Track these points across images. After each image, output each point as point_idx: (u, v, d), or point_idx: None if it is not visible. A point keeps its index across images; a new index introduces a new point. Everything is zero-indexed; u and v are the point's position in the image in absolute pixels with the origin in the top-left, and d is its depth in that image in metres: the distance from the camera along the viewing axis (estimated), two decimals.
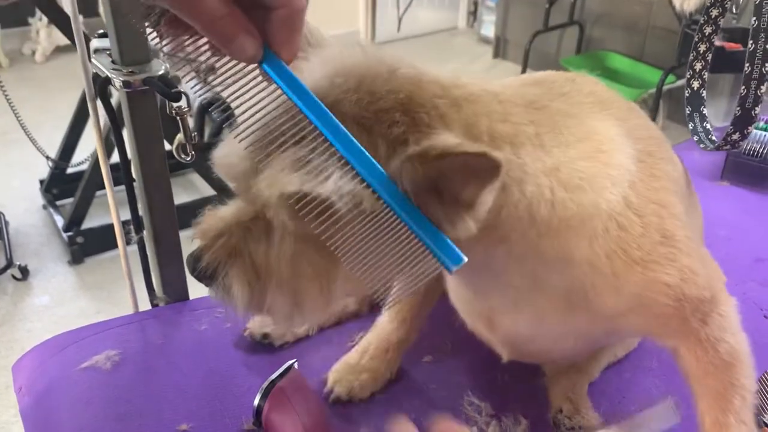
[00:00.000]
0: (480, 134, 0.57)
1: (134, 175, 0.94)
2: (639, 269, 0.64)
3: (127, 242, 1.03)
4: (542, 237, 0.62)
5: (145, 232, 1.00)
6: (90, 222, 2.75)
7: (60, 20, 2.68)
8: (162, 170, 0.93)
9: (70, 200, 2.85)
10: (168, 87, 0.85)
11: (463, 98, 0.58)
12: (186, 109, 0.85)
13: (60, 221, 2.80)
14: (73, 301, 2.58)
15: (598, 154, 0.63)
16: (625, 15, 3.99)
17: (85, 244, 2.71)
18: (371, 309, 1.03)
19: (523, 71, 4.10)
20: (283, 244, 0.57)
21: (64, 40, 3.73)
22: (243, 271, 0.58)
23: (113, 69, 0.86)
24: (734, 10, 1.72)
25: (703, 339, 0.70)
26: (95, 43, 0.91)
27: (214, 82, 0.52)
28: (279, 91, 0.51)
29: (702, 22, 1.07)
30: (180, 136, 0.87)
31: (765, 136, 1.43)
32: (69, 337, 0.96)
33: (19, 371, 0.93)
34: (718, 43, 1.54)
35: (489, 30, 4.96)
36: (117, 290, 2.57)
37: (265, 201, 0.55)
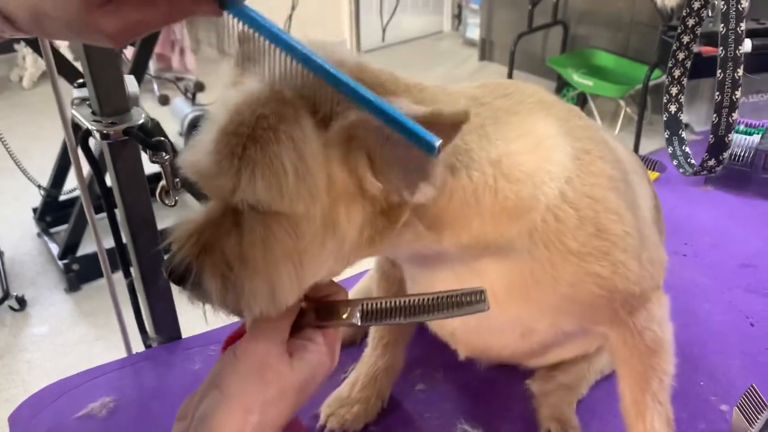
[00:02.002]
0: None
1: (119, 222, 0.95)
2: (575, 260, 0.67)
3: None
4: (486, 224, 0.65)
5: (133, 274, 1.00)
6: (85, 248, 2.75)
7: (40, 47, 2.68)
8: (148, 217, 0.94)
9: (64, 227, 2.85)
10: (148, 136, 0.86)
11: (413, 85, 0.61)
12: (167, 156, 0.87)
13: (55, 249, 2.81)
14: (72, 329, 2.58)
15: (537, 149, 0.66)
16: (608, 12, 4.01)
17: (81, 271, 2.72)
18: (364, 339, 1.04)
19: (510, 73, 4.12)
20: (252, 230, 0.58)
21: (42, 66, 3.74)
22: (215, 265, 0.59)
23: (93, 120, 0.87)
24: (709, 13, 1.73)
25: (630, 326, 0.76)
26: (75, 93, 0.92)
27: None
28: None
29: (675, 48, 1.08)
30: (163, 182, 0.88)
31: (746, 140, 1.45)
32: (63, 385, 0.97)
33: (16, 423, 0.93)
34: (695, 48, 1.55)
35: (474, 33, 4.98)
36: (115, 316, 2.57)
37: (232, 188, 0.56)
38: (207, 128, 0.58)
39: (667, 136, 1.06)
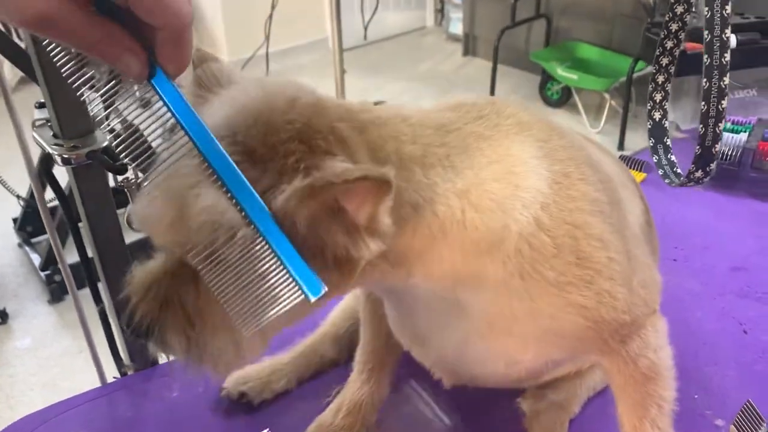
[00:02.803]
0: (387, 156, 0.58)
1: (88, 248, 0.91)
2: (554, 290, 0.64)
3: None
4: (456, 258, 0.62)
5: (105, 301, 0.97)
6: (67, 258, 2.70)
7: (15, 56, 2.63)
8: (117, 242, 0.91)
9: (45, 236, 2.80)
10: (113, 160, 0.82)
11: (369, 122, 0.59)
12: (133, 179, 0.83)
13: (36, 259, 2.76)
14: (56, 341, 2.54)
15: (509, 176, 0.63)
16: (591, 4, 3.99)
17: (64, 282, 2.66)
18: (350, 357, 1.01)
19: (494, 67, 4.09)
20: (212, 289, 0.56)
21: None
22: (176, 321, 0.57)
23: (55, 144, 0.83)
24: (693, 9, 1.70)
25: (623, 355, 0.72)
26: (36, 114, 0.88)
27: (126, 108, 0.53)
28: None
29: (658, 54, 1.05)
30: (130, 207, 0.84)
31: (733, 138, 1.42)
32: (35, 419, 0.93)
33: None
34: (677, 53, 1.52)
35: (457, 27, 4.94)
36: (100, 327, 2.53)
37: (185, 248, 0.54)
38: (154, 178, 0.55)
39: (651, 144, 1.03)
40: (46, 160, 0.85)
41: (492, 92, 4.09)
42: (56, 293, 2.67)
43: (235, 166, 0.52)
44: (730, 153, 1.40)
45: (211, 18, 4.40)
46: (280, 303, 0.52)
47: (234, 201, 0.52)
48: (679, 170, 1.02)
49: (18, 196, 2.78)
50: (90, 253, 0.92)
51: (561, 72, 3.73)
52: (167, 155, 0.53)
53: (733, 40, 1.47)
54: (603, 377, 0.95)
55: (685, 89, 1.62)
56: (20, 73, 4.23)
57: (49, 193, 2.80)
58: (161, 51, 0.50)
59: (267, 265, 0.51)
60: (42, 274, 2.67)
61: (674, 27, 0.99)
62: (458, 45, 4.93)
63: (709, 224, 1.33)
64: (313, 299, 0.51)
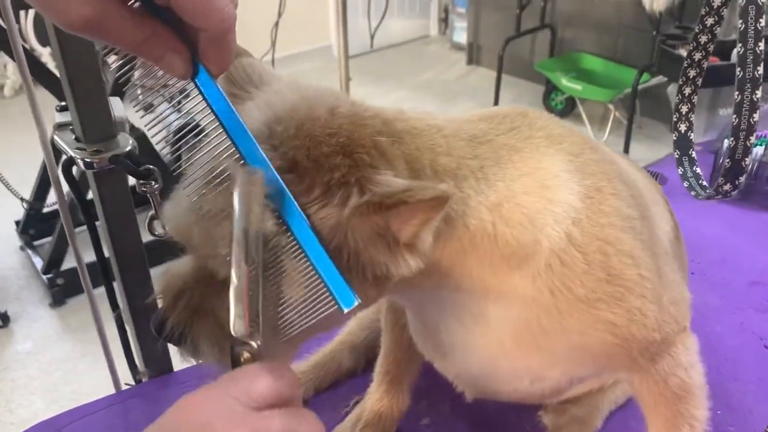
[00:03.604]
0: (422, 168, 0.58)
1: (105, 252, 0.90)
2: (584, 307, 0.63)
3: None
4: (486, 272, 0.62)
5: (121, 307, 0.95)
6: (70, 262, 2.69)
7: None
8: (137, 250, 0.89)
9: (48, 239, 2.79)
10: (136, 165, 0.81)
11: (405, 132, 0.58)
12: (156, 185, 0.82)
13: (39, 262, 2.74)
14: (58, 345, 2.52)
15: (541, 189, 0.62)
16: (595, 16, 4.00)
17: (66, 285, 2.66)
18: (367, 366, 1.00)
19: (498, 77, 4.09)
20: None
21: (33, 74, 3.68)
22: (209, 329, 0.57)
23: (77, 147, 0.82)
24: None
25: (653, 373, 0.71)
26: (57, 117, 0.87)
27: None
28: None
29: (686, 65, 1.04)
30: (152, 212, 0.83)
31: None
32: (47, 427, 0.91)
33: None
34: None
35: (461, 37, 4.95)
36: (107, 332, 2.51)
37: (219, 258, 0.54)
38: (191, 182, 0.55)
39: (677, 156, 1.03)
40: (68, 165, 0.84)
41: (496, 102, 4.09)
42: (58, 297, 2.66)
43: (276, 173, 0.51)
44: (746, 166, 1.39)
45: None
46: (314, 313, 0.51)
47: (272, 209, 0.51)
48: (705, 183, 1.01)
49: (22, 199, 2.76)
50: (107, 254, 0.91)
51: (565, 82, 3.73)
52: (206, 158, 0.52)
53: None
54: (625, 391, 0.94)
55: (698, 102, 1.61)
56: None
57: (50, 198, 2.81)
58: (204, 52, 0.50)
59: (302, 275, 0.51)
60: (44, 277, 2.66)
61: (704, 39, 0.98)
62: (462, 54, 4.93)
63: (725, 238, 1.32)
64: (346, 311, 0.50)
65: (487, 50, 4.65)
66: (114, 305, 0.95)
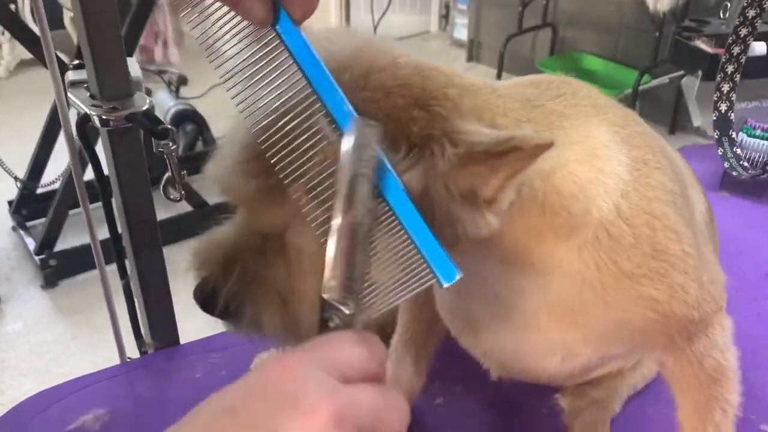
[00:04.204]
0: (486, 126, 0.55)
1: (117, 220, 0.87)
2: (629, 282, 0.61)
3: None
4: (532, 242, 0.59)
5: (129, 274, 0.93)
6: (63, 243, 2.66)
7: (22, 35, 2.59)
8: (149, 213, 0.87)
9: (41, 221, 2.75)
10: (154, 123, 0.78)
11: (465, 88, 0.55)
12: (173, 146, 0.79)
13: (31, 243, 2.70)
14: (49, 327, 2.49)
15: (592, 159, 0.60)
16: (597, 16, 3.99)
17: (59, 267, 2.62)
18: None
19: (499, 74, 4.08)
20: (302, 263, 0.53)
21: (28, 54, 3.63)
22: (269, 300, 0.54)
23: (92, 105, 0.79)
24: (722, 15, 1.68)
25: (688, 354, 0.69)
26: (70, 75, 0.84)
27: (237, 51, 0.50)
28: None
29: (730, 41, 1.03)
30: (168, 175, 0.80)
31: (763, 144, 1.40)
32: (51, 395, 0.88)
33: None
34: (711, 50, 1.51)
35: (462, 33, 4.93)
36: (95, 314, 2.48)
37: (279, 217, 0.51)
38: (240, 131, 0.51)
39: (716, 137, 1.01)
40: (82, 122, 0.81)
41: None
42: (50, 278, 2.62)
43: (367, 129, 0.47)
44: (759, 159, 1.38)
45: None
46: (409, 287, 0.47)
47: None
48: (746, 163, 1.00)
49: (16, 178, 2.72)
50: (119, 224, 0.88)
51: (566, 76, 3.71)
52: (281, 113, 0.48)
53: (762, 48, 1.46)
54: (644, 376, 0.93)
55: (711, 96, 1.60)
56: (19, 57, 4.16)
57: (45, 178, 2.77)
58: None
59: (398, 247, 0.47)
60: (36, 258, 2.62)
61: (751, 13, 0.96)
62: (462, 51, 4.92)
63: (738, 231, 1.31)
64: (446, 285, 0.47)
65: (488, 47, 4.64)
66: (123, 273, 0.92)
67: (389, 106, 0.50)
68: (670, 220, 0.62)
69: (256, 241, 0.54)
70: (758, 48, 1.48)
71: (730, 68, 1.01)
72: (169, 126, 0.78)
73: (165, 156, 0.79)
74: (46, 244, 2.62)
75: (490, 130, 0.50)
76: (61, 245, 2.65)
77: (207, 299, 0.54)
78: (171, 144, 0.79)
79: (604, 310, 0.63)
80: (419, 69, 0.53)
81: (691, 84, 1.47)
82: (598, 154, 0.60)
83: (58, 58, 2.14)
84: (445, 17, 5.32)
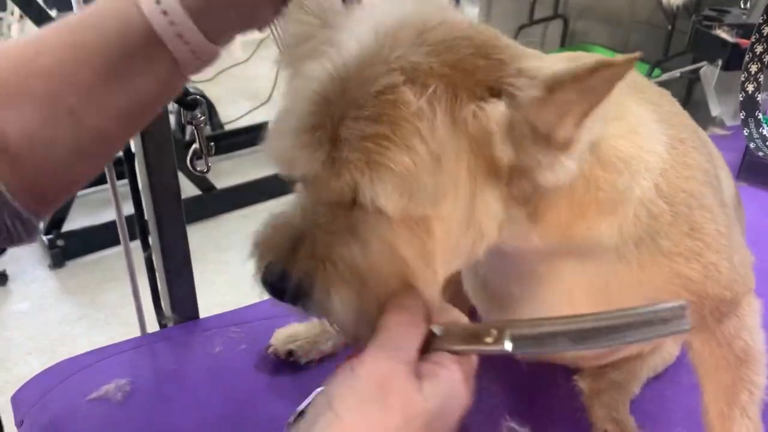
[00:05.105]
0: None
1: (142, 193, 0.87)
2: (665, 261, 0.61)
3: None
4: (576, 218, 0.59)
5: (152, 246, 0.93)
6: (71, 224, 2.66)
7: (33, 14, 2.58)
8: (173, 185, 0.86)
9: None
10: (183, 94, 0.78)
11: (514, 45, 0.54)
12: (202, 117, 0.78)
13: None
14: (55, 306, 2.49)
15: (633, 135, 0.60)
16: (608, 8, 3.97)
17: (66, 247, 2.63)
18: None
19: None
20: (378, 235, 0.51)
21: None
22: (342, 279, 0.51)
23: None
24: (743, 6, 1.67)
25: (718, 335, 0.69)
26: None
27: None
28: None
29: (761, 22, 1.02)
30: (196, 146, 0.80)
31: None
32: (73, 364, 0.89)
33: (20, 402, 0.85)
34: (732, 39, 1.50)
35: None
36: (101, 294, 2.49)
37: (346, 192, 0.50)
38: (299, 103, 0.50)
39: (743, 117, 1.01)
40: None
41: None
42: (57, 258, 2.62)
43: None
44: None
45: None
46: None
47: None
48: None
49: None
50: (143, 197, 0.88)
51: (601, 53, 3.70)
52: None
53: None
54: (664, 359, 0.93)
55: (731, 86, 1.60)
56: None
57: None
58: None
59: None
60: (44, 238, 2.62)
61: None
62: None
63: (754, 220, 1.30)
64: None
65: None
66: (145, 245, 0.92)
67: (453, 58, 0.49)
68: (707, 199, 0.62)
69: (325, 218, 0.51)
70: None
71: (759, 48, 1.00)
72: (198, 96, 0.77)
73: (194, 126, 0.78)
74: (53, 225, 2.62)
75: (561, 63, 0.48)
76: (68, 226, 2.65)
77: (275, 284, 0.52)
78: (200, 115, 0.78)
79: (637, 290, 0.62)
80: (470, 24, 0.53)
81: (711, 73, 1.47)
82: (638, 131, 0.60)
83: None
84: (455, 7, 5.30)
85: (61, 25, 0.58)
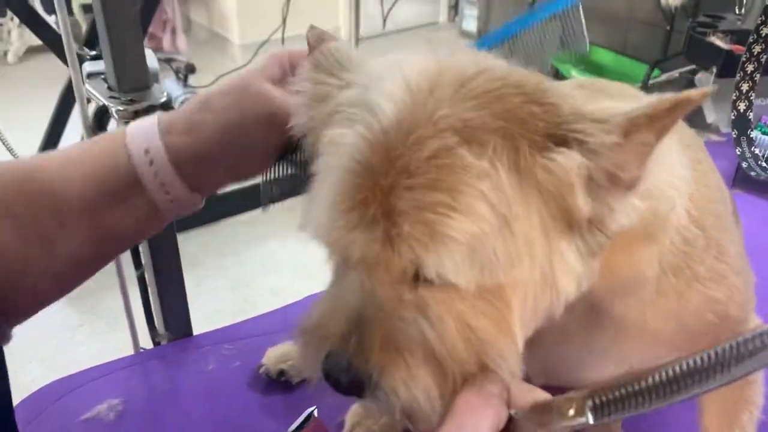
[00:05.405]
0: None
1: None
2: (700, 287, 0.59)
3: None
4: (615, 251, 0.54)
5: (144, 264, 0.93)
6: None
7: (31, 21, 2.58)
8: None
9: None
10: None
11: (557, 88, 0.50)
12: None
13: None
14: (54, 313, 2.49)
15: (661, 161, 0.58)
16: (607, 9, 3.97)
17: None
18: None
19: None
20: (450, 311, 0.46)
21: (37, 41, 3.63)
22: (419, 364, 0.46)
23: (110, 96, 0.79)
24: (738, 11, 1.67)
25: None
26: (88, 67, 0.84)
27: None
28: None
29: (751, 40, 1.02)
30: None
31: None
32: (66, 384, 0.89)
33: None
34: (726, 46, 1.50)
35: (471, 24, 4.91)
36: (101, 301, 2.49)
37: (405, 267, 0.45)
38: (338, 175, 0.46)
39: (735, 136, 1.01)
40: (101, 114, 0.81)
41: None
42: None
43: None
44: None
45: None
46: None
47: None
48: (764, 163, 0.99)
49: None
50: None
51: (575, 74, 3.70)
52: None
53: None
54: None
55: (725, 94, 1.60)
56: (27, 44, 4.14)
57: None
58: None
59: None
60: None
61: None
62: (471, 42, 4.90)
63: (751, 230, 1.30)
64: None
65: None
66: (137, 263, 0.92)
67: (503, 108, 0.45)
68: (726, 221, 0.62)
69: (389, 299, 0.46)
70: None
71: (750, 67, 1.01)
72: None
73: None
74: None
75: (617, 104, 0.45)
76: None
77: (341, 378, 0.46)
78: None
79: (672, 318, 0.61)
80: (508, 68, 0.49)
81: (706, 80, 1.47)
82: (665, 156, 0.55)
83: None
84: (455, 8, 5.30)
85: (59, 153, 0.62)
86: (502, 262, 0.44)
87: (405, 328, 0.46)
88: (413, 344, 0.46)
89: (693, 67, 1.87)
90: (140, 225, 0.62)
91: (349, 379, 0.46)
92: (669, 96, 0.43)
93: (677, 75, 3.51)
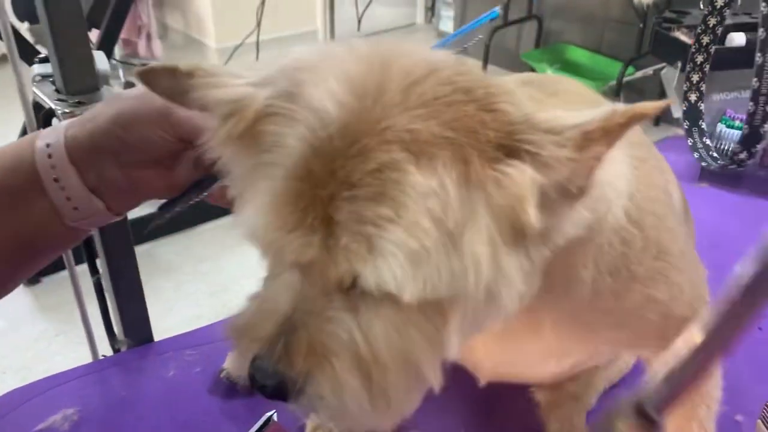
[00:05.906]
0: None
1: None
2: (638, 287, 0.59)
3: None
4: (557, 256, 0.54)
5: (101, 271, 0.91)
6: None
7: None
8: None
9: None
10: None
11: (507, 90, 0.48)
12: None
13: None
14: (31, 324, 2.47)
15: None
16: (582, 8, 3.99)
17: None
18: None
19: (484, 67, 4.07)
20: (384, 320, 0.45)
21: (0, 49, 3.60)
22: (346, 369, 0.45)
23: (57, 99, 0.78)
24: (702, 6, 1.68)
25: None
26: (36, 69, 0.83)
27: None
28: None
29: (699, 31, 1.02)
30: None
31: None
32: (21, 395, 0.87)
33: None
34: (690, 41, 1.50)
35: (447, 25, 4.92)
36: (77, 311, 2.46)
37: (342, 275, 0.44)
38: (276, 176, 0.44)
39: (686, 127, 1.01)
40: (47, 117, 0.80)
41: None
42: (32, 275, 2.59)
43: None
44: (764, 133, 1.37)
45: (198, 1, 4.33)
46: None
47: None
48: (715, 154, 0.99)
49: None
50: None
51: (551, 74, 3.72)
52: None
53: (742, 39, 1.46)
54: (620, 369, 0.92)
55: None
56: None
57: None
58: None
59: None
60: None
61: (720, 2, 0.95)
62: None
63: (717, 223, 1.30)
64: None
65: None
66: (93, 270, 0.91)
67: (453, 116, 0.43)
68: (669, 219, 0.61)
69: (321, 304, 0.45)
70: (737, 39, 1.48)
71: (699, 58, 1.01)
72: None
73: None
74: None
75: (569, 113, 0.44)
76: None
77: (266, 383, 0.46)
78: None
79: (611, 318, 0.61)
80: (457, 68, 0.46)
81: (671, 75, 1.47)
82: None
83: (36, 51, 2.12)
84: (431, 9, 5.30)
85: None
86: (445, 278, 0.43)
87: (333, 332, 0.45)
88: (341, 348, 0.45)
89: (665, 64, 1.89)
90: (41, 230, 0.59)
91: (274, 384, 0.45)
92: (623, 108, 0.42)
93: (651, 72, 3.54)
